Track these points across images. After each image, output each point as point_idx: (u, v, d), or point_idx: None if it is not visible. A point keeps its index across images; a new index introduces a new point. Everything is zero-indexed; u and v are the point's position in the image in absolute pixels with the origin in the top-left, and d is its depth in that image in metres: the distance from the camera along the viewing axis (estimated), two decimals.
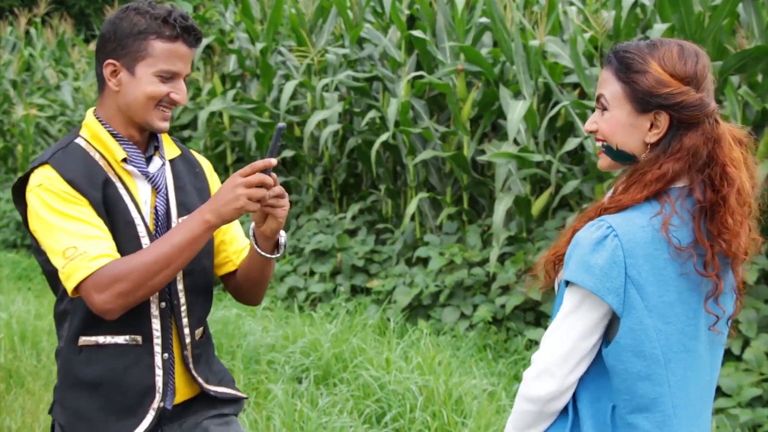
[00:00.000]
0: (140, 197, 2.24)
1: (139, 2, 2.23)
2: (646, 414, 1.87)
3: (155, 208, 2.26)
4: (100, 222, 2.14)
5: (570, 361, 1.85)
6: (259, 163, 2.09)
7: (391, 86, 7.70)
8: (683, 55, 1.89)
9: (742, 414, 4.48)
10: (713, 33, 5.68)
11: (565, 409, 1.93)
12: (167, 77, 2.19)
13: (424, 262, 6.79)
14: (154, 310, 2.23)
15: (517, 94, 6.62)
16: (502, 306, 5.87)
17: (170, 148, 2.37)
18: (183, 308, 2.28)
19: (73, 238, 2.08)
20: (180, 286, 2.28)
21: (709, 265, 1.85)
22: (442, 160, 7.31)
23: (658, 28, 5.69)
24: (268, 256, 2.32)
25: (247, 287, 2.45)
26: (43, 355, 5.77)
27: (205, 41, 9.09)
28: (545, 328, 5.49)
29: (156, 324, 2.23)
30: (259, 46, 8.67)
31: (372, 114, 7.49)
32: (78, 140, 2.23)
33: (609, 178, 5.84)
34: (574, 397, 1.92)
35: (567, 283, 1.88)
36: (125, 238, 2.18)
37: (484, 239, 6.60)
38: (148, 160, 2.29)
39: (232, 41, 9.47)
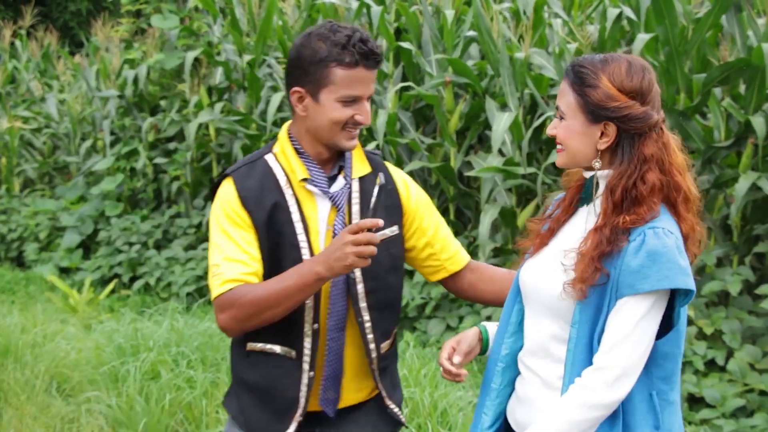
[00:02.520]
0: (318, 216, 2.35)
1: (322, 26, 2.30)
2: (676, 388, 2.12)
3: (333, 226, 2.34)
4: (252, 247, 2.29)
5: (643, 360, 2.02)
6: (366, 223, 2.13)
7: (377, 98, 7.71)
8: (630, 71, 2.07)
9: (726, 425, 4.49)
10: (697, 45, 5.72)
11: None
12: (350, 101, 2.26)
13: (410, 273, 6.78)
14: (307, 330, 2.32)
15: (503, 106, 6.63)
16: (488, 317, 5.87)
17: (360, 166, 2.42)
18: (368, 325, 2.37)
19: (221, 256, 2.26)
20: (363, 305, 2.36)
21: None
22: (429, 172, 7.32)
23: (642, 38, 5.73)
24: None
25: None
26: (27, 369, 5.73)
27: (192, 53, 9.09)
28: None
29: (307, 343, 2.33)
30: (247, 57, 8.68)
31: None
32: (268, 156, 2.38)
33: None
34: None
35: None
36: (289, 261, 2.27)
37: (470, 251, 6.60)
38: (334, 178, 2.38)
39: (219, 53, 9.47)
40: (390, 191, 2.44)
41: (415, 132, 7.39)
